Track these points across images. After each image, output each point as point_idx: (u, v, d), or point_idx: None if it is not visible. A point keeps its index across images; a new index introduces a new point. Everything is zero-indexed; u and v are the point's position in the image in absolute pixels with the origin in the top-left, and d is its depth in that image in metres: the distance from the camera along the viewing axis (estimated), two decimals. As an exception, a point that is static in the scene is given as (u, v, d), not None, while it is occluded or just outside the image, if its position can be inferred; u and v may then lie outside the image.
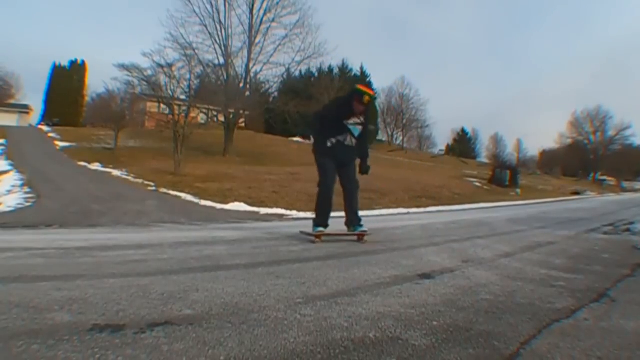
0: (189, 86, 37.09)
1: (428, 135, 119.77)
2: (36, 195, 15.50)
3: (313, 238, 7.21)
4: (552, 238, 8.78)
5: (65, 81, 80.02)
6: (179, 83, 35.96)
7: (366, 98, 7.19)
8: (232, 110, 46.10)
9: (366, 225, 7.49)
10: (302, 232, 7.68)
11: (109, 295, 3.36)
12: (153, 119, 46.98)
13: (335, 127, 7.38)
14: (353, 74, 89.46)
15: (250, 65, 48.40)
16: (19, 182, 19.48)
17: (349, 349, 2.48)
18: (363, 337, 2.68)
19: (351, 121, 7.35)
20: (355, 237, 7.42)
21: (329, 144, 7.37)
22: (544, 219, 14.61)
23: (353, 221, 7.54)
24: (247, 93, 49.71)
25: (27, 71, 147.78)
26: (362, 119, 7.43)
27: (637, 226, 11.54)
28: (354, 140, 7.44)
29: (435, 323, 3.02)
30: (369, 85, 8.58)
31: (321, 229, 7.36)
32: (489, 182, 42.46)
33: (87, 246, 6.24)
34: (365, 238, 7.34)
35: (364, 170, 7.84)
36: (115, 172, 26.29)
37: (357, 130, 7.45)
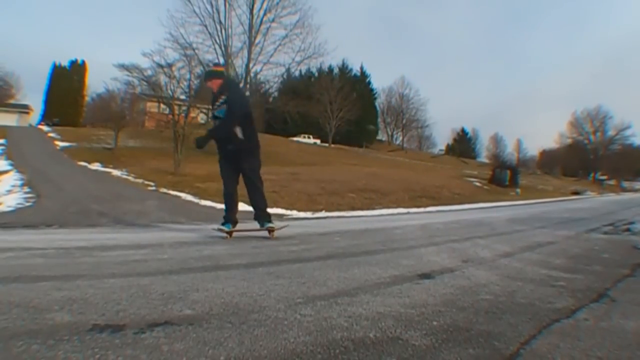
0: (189, 86, 37.01)
1: (428, 135, 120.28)
2: (36, 195, 15.47)
3: (226, 235, 7.47)
4: (552, 238, 8.78)
5: (65, 81, 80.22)
6: (179, 83, 35.91)
7: (205, 72, 7.53)
8: (231, 110, 46.00)
9: (366, 225, 7.49)
10: (214, 229, 7.74)
11: (109, 295, 3.36)
12: (153, 119, 46.97)
13: (215, 122, 7.66)
14: (353, 73, 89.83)
15: (250, 65, 48.57)
16: (19, 182, 19.44)
17: (349, 349, 2.48)
18: (363, 337, 2.68)
19: (216, 104, 7.51)
20: (266, 232, 7.64)
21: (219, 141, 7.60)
22: (544, 218, 14.61)
23: (260, 218, 7.76)
24: (247, 93, 49.67)
25: (27, 71, 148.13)
26: (224, 98, 7.46)
27: (637, 226, 11.53)
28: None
29: (435, 323, 3.02)
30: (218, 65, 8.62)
31: (229, 226, 7.60)
32: (489, 182, 42.47)
33: (87, 246, 6.23)
34: (275, 233, 7.63)
35: (198, 143, 7.82)
36: (115, 172, 26.27)
37: (223, 111, 7.46)
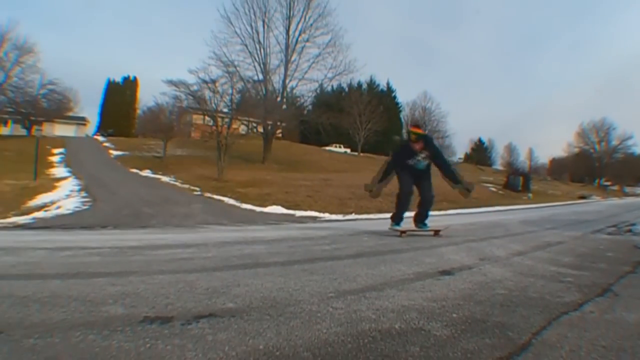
0: (231, 100, 37.17)
1: (448, 145, 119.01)
2: (92, 199, 15.67)
3: (399, 233, 8.02)
4: (561, 238, 8.66)
5: (119, 95, 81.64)
6: (221, 97, 36.06)
7: (412, 136, 8.14)
8: (270, 122, 46.35)
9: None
10: (390, 229, 8.37)
11: (159, 290, 3.39)
12: (198, 130, 47.42)
13: (403, 162, 8.26)
14: (380, 89, 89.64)
15: (287, 81, 48.84)
16: (77, 187, 19.71)
17: (377, 339, 2.48)
18: (389, 327, 2.67)
19: (417, 159, 8.13)
20: (431, 233, 8.16)
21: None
22: (553, 220, 14.40)
23: (420, 220, 8.42)
24: (284, 106, 50.04)
25: (84, 86, 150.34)
26: (425, 154, 8.11)
27: (638, 227, 11.35)
28: (419, 171, 8.25)
29: (454, 315, 3.00)
30: (417, 125, 8.91)
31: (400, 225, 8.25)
32: (504, 187, 42.18)
33: (139, 245, 6.30)
34: (442, 232, 8.16)
35: (464, 190, 8.33)
36: (164, 178, 26.49)
37: (422, 164, 8.18)
